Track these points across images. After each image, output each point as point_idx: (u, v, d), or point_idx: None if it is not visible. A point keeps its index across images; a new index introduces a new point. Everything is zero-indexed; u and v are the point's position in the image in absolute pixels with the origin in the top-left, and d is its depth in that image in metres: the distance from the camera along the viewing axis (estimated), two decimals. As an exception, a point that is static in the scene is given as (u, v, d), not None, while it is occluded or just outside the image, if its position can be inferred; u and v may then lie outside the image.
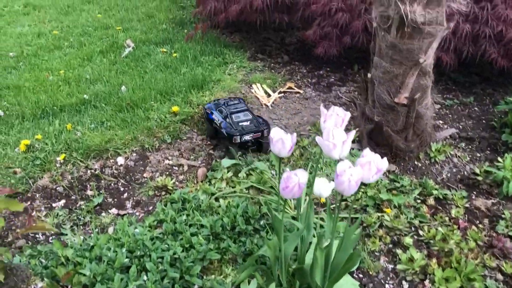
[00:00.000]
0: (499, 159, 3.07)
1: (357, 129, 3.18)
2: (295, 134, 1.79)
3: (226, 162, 2.98)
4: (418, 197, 2.82)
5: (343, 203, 2.75)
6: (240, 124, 3.07)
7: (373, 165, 1.59)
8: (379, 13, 2.75)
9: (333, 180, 1.67)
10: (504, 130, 3.37)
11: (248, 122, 3.09)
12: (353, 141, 3.22)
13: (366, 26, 3.93)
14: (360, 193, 2.80)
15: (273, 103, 3.84)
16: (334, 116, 1.74)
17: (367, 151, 1.66)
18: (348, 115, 1.77)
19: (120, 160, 3.15)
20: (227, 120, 3.08)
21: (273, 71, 4.41)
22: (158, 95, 3.75)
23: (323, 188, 1.85)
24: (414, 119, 2.94)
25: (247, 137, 3.01)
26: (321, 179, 1.86)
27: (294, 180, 1.64)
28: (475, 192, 2.90)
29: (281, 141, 1.74)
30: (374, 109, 3.02)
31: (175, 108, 3.49)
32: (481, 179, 2.92)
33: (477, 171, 2.97)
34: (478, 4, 3.74)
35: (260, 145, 3.14)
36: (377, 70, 2.93)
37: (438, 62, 3.83)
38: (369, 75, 2.99)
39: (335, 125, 1.75)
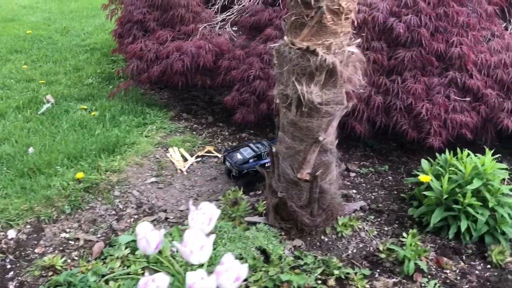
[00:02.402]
0: (404, 234, 3.08)
1: (264, 202, 3.14)
2: (162, 230, 1.69)
3: (124, 238, 2.83)
4: (320, 276, 2.75)
5: None
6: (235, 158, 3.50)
7: (231, 274, 1.51)
8: (279, 91, 2.76)
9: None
10: (412, 203, 3.41)
11: (244, 155, 3.51)
12: (260, 214, 3.16)
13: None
14: (261, 272, 2.71)
15: (189, 168, 3.76)
16: (200, 215, 1.66)
17: (227, 258, 1.57)
18: (216, 213, 1.70)
19: (12, 233, 2.94)
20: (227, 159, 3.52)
21: (194, 132, 4.35)
22: (65, 159, 3.58)
23: None
24: (319, 194, 2.92)
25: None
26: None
27: (151, 286, 1.53)
28: (378, 270, 2.87)
29: (145, 239, 1.64)
30: (279, 183, 2.98)
31: (79, 175, 3.33)
32: (384, 257, 2.90)
33: (381, 248, 2.96)
34: (389, 77, 3.87)
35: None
36: (281, 145, 2.92)
37: (351, 131, 3.91)
38: (273, 148, 2.98)
39: (202, 224, 1.67)
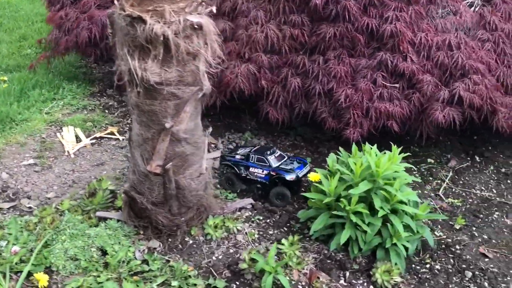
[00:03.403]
0: (284, 241, 2.63)
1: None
2: None
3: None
4: (159, 287, 2.35)
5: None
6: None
7: None
8: (117, 66, 2.32)
9: None
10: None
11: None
12: (117, 209, 2.76)
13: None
14: (91, 278, 2.33)
15: (78, 150, 3.39)
16: None
17: None
18: None
19: None
20: None
21: (107, 111, 3.96)
22: None
23: None
24: (176, 190, 2.50)
25: None
26: None
27: None
28: (237, 283, 2.44)
29: None
30: (133, 175, 2.57)
31: None
32: (246, 267, 2.46)
33: (245, 256, 2.51)
34: (310, 57, 3.35)
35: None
36: (133, 131, 2.50)
37: (266, 117, 3.43)
38: (127, 135, 2.55)
39: None
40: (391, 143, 2.74)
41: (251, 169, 2.98)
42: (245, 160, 3.01)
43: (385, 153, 2.67)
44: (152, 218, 2.56)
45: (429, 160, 3.63)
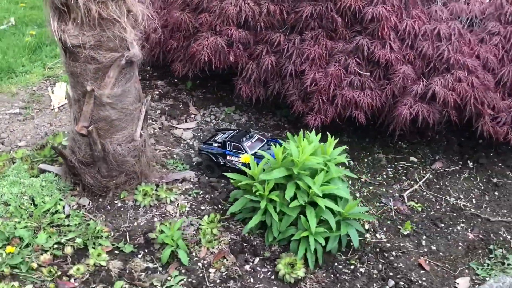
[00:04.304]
0: (206, 217, 2.63)
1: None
2: None
3: None
4: (65, 242, 2.46)
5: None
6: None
7: None
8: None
9: None
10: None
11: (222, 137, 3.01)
12: (60, 164, 2.89)
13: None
14: (12, 223, 2.51)
15: (63, 106, 3.59)
16: None
17: None
18: None
19: None
20: None
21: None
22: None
23: None
24: (102, 153, 2.57)
25: None
26: None
27: None
28: (146, 251, 2.49)
29: None
30: (70, 134, 2.68)
31: None
32: (155, 237, 2.49)
33: (157, 227, 2.54)
34: (288, 36, 3.21)
35: None
36: (70, 90, 2.60)
37: (239, 93, 3.37)
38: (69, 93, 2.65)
39: None
40: (347, 135, 2.58)
41: (229, 157, 2.90)
42: (221, 147, 2.92)
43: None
44: (82, 177, 2.67)
45: (411, 158, 3.36)
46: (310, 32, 3.14)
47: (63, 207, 2.67)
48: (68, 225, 2.55)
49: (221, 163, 2.93)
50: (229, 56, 3.19)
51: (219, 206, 2.80)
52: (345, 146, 2.69)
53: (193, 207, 2.79)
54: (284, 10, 3.17)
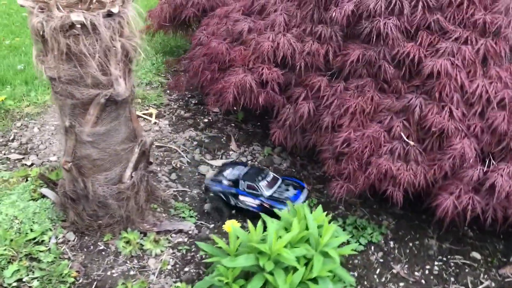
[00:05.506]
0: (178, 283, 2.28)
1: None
2: None
3: None
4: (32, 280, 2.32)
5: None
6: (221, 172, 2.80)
7: None
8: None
9: None
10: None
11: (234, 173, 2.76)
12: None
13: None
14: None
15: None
16: None
17: None
18: None
19: None
20: None
21: (168, 92, 4.00)
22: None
23: None
24: (86, 191, 2.39)
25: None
26: None
27: None
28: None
29: None
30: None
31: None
32: None
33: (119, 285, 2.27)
34: (333, 81, 2.69)
35: None
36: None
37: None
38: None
39: None
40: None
41: (241, 197, 2.61)
42: (233, 187, 2.63)
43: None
44: (67, 212, 2.53)
45: (473, 254, 2.59)
46: (356, 81, 2.59)
47: (50, 238, 2.55)
48: (41, 261, 2.42)
49: (232, 204, 2.63)
50: (258, 98, 2.78)
51: (204, 270, 2.44)
52: (356, 244, 2.12)
53: (177, 266, 2.46)
54: (331, 50, 2.66)
